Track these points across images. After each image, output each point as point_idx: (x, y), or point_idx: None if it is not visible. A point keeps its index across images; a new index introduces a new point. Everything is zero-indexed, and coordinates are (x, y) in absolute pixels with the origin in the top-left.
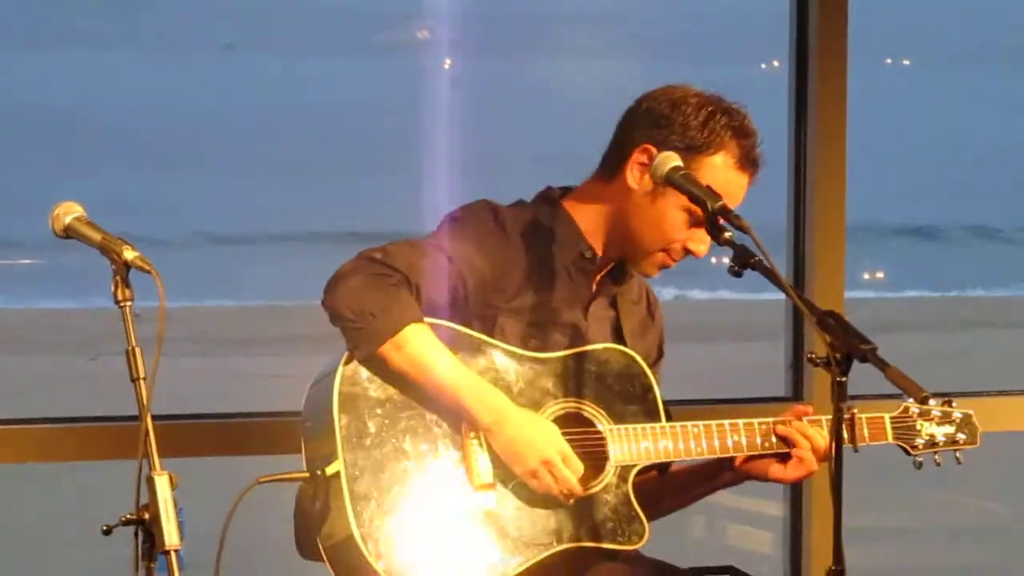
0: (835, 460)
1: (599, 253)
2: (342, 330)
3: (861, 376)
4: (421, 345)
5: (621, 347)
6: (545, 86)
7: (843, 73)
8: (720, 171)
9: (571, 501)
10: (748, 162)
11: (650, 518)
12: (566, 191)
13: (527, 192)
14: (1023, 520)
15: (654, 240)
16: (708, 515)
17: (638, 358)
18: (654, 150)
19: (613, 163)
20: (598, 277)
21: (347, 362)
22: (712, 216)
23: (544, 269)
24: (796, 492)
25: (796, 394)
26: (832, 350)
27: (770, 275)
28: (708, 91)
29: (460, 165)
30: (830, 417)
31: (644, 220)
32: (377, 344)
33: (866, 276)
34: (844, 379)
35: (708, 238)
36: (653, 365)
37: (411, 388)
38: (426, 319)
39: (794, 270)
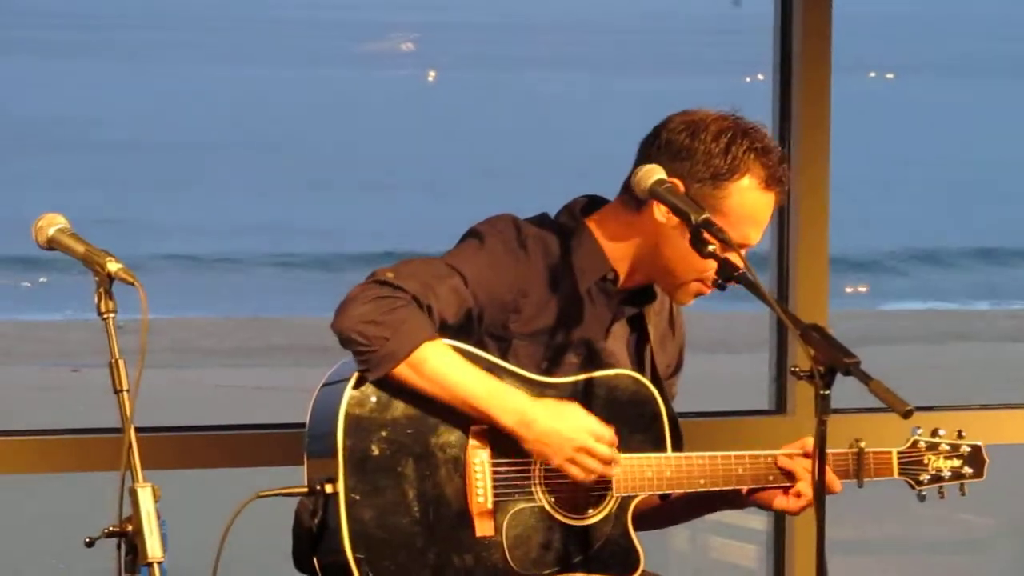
0: (818, 475)
1: (623, 277)
2: (354, 354)
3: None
4: (437, 360)
5: (633, 373)
6: (529, 96)
7: (827, 85)
8: (747, 193)
9: (614, 471)
10: (774, 181)
11: (641, 531)
12: (592, 205)
13: (511, 203)
14: (1006, 534)
15: (688, 271)
16: (691, 528)
17: (649, 385)
18: (681, 185)
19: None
20: (619, 299)
21: (356, 385)
22: (696, 229)
23: (564, 291)
24: None
25: (780, 407)
26: (816, 363)
27: (754, 288)
28: (723, 111)
29: (450, 178)
30: (838, 451)
31: (677, 252)
32: (392, 365)
33: (848, 290)
34: (827, 392)
35: (741, 260)
36: (672, 376)
37: (424, 407)
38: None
39: (778, 284)
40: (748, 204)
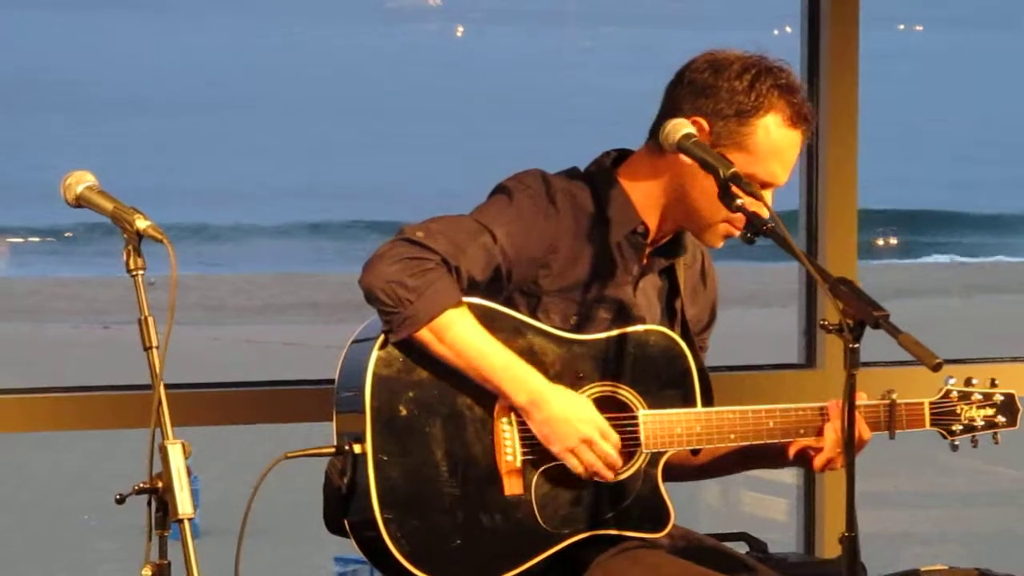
0: (847, 427)
1: (653, 228)
2: (378, 312)
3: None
4: (459, 329)
5: (663, 329)
6: (556, 54)
7: (855, 37)
8: (773, 131)
9: (611, 476)
10: (800, 118)
11: (672, 481)
12: (621, 157)
13: (540, 159)
14: None
15: (716, 212)
16: (722, 483)
17: (679, 340)
18: (705, 123)
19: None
20: (649, 251)
21: (383, 344)
22: (724, 183)
23: (594, 245)
24: None
25: (809, 361)
26: (845, 316)
27: (783, 242)
28: (747, 51)
29: (475, 137)
30: (870, 403)
31: (703, 192)
32: (414, 329)
33: (880, 242)
34: (857, 345)
35: (769, 200)
36: (704, 331)
37: (447, 372)
38: (465, 298)
39: (806, 238)
40: (773, 141)
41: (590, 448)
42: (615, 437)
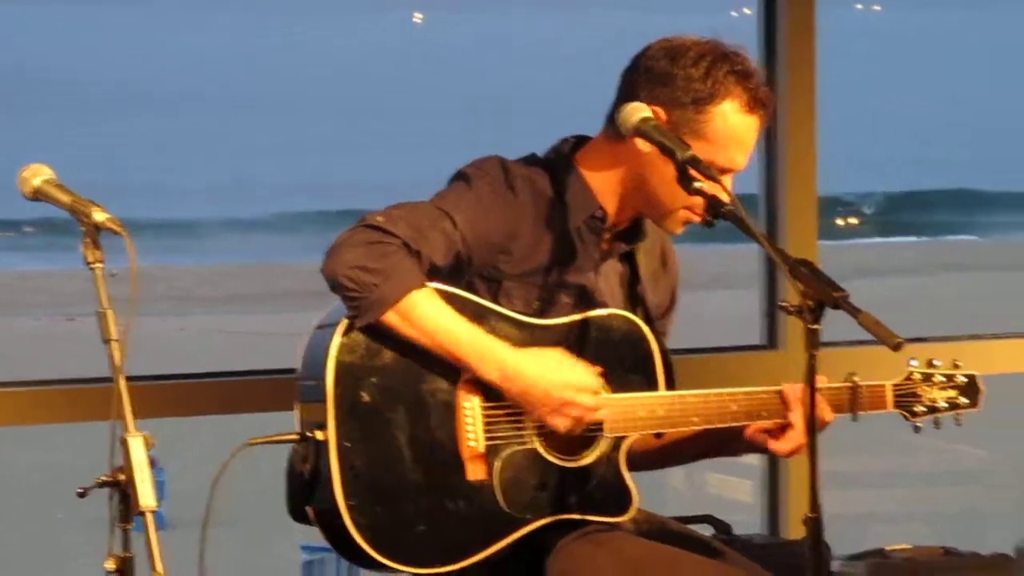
0: (810, 409)
1: (612, 214)
2: (343, 299)
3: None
4: (425, 309)
5: (625, 313)
6: (512, 38)
7: (812, 17)
8: (730, 117)
9: (602, 412)
10: (757, 104)
11: (635, 471)
12: (580, 144)
13: (500, 145)
14: (1001, 465)
15: (675, 199)
16: (687, 466)
17: (641, 324)
18: (662, 112)
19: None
20: (609, 237)
21: (345, 330)
22: (682, 166)
23: (554, 230)
24: None
25: (771, 342)
26: (804, 298)
27: (742, 224)
28: (703, 36)
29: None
30: (832, 385)
31: (661, 177)
32: (381, 312)
33: (840, 223)
34: (817, 326)
35: (728, 185)
36: (664, 315)
37: (410, 357)
38: (428, 284)
39: (767, 220)
40: (731, 127)
41: (571, 407)
42: (593, 382)
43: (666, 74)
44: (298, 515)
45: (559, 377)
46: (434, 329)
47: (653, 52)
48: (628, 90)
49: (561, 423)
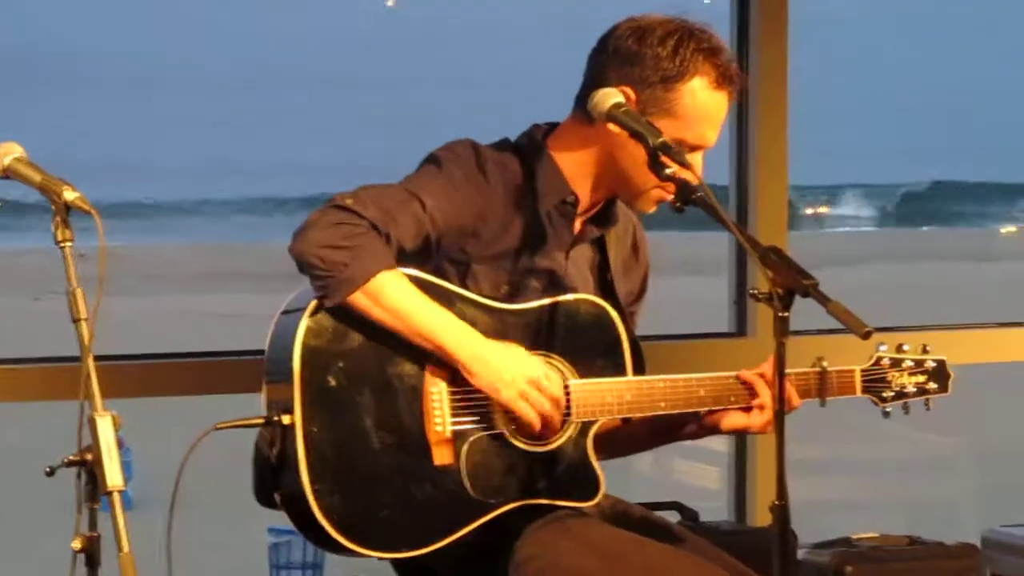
0: (778, 396)
1: (584, 198)
2: (311, 279)
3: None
4: (394, 291)
5: (593, 298)
6: (489, 23)
7: (784, 4)
8: (699, 94)
9: (559, 416)
10: (725, 79)
11: (604, 459)
12: (551, 129)
13: (473, 128)
14: (971, 453)
15: (646, 179)
16: (655, 451)
17: (610, 310)
18: (632, 92)
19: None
20: (580, 221)
21: (312, 313)
22: (654, 152)
23: (524, 215)
24: None
25: (740, 329)
26: (774, 285)
27: (712, 210)
28: (669, 15)
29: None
30: (800, 370)
31: (633, 161)
32: (349, 291)
33: (809, 211)
34: (786, 314)
35: (699, 162)
36: (633, 303)
37: (378, 341)
38: (397, 268)
39: (737, 208)
40: (700, 105)
41: (538, 389)
42: (556, 378)
43: (634, 54)
44: (265, 499)
45: (528, 361)
46: (402, 310)
47: (620, 32)
48: (597, 71)
49: (524, 408)
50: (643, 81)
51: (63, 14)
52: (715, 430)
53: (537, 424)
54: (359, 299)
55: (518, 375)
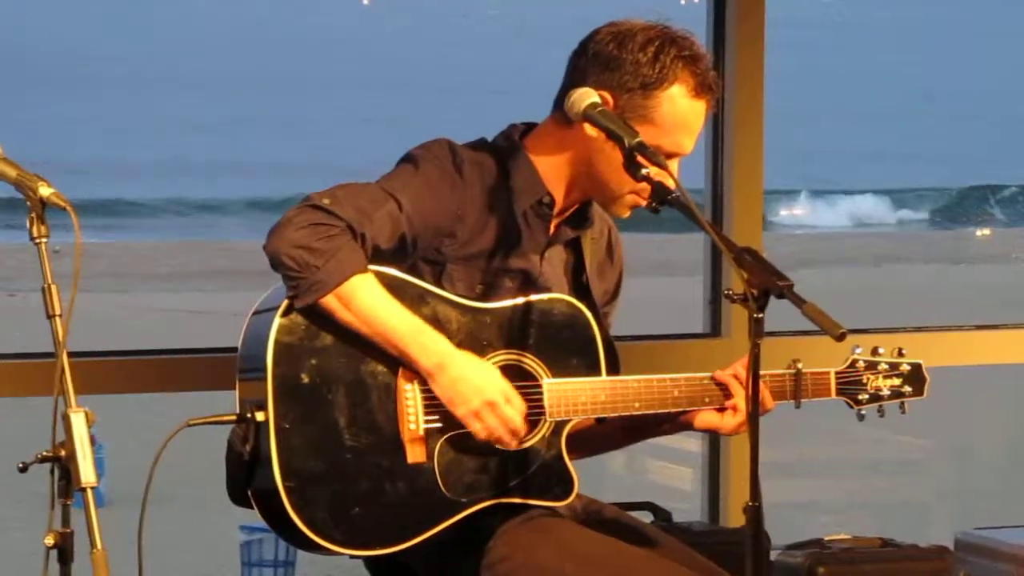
0: (752, 398)
1: (560, 199)
2: (283, 278)
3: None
4: (365, 295)
5: (568, 297)
6: (467, 18)
7: (762, 6)
8: (678, 102)
9: (514, 443)
10: (704, 88)
11: (577, 458)
12: (529, 129)
13: (442, 127)
14: (942, 455)
15: (622, 183)
16: (627, 452)
17: (584, 310)
18: (610, 96)
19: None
20: (556, 222)
21: (285, 312)
22: (630, 152)
23: (500, 215)
24: None
25: (715, 330)
26: (749, 286)
27: (687, 211)
28: (650, 21)
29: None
30: (775, 372)
31: (609, 163)
32: (320, 294)
33: (784, 212)
34: (761, 315)
35: (675, 169)
36: (608, 304)
37: (351, 339)
38: (370, 267)
39: (712, 209)
40: (679, 112)
41: (493, 411)
42: (520, 403)
43: (614, 59)
44: (237, 497)
45: (493, 380)
46: (372, 316)
47: (601, 36)
48: (576, 75)
49: (478, 427)
50: (622, 86)
51: (46, 12)
52: (688, 427)
53: (491, 442)
54: (329, 302)
55: (475, 394)
